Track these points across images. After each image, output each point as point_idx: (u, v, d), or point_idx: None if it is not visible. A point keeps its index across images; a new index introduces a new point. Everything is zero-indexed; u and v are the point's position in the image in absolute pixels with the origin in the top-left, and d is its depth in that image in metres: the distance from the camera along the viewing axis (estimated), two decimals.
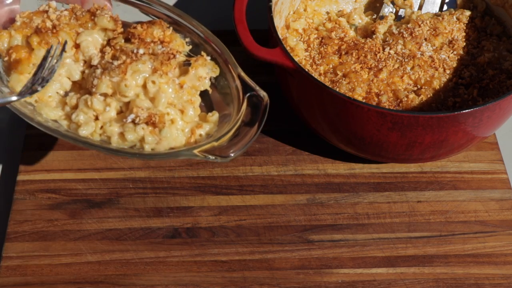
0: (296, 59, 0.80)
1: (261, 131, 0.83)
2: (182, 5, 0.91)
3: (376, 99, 0.77)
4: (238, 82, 0.64)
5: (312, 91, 0.73)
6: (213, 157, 0.59)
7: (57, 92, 0.64)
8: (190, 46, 0.65)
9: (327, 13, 0.87)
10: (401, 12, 0.87)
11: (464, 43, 0.82)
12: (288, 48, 0.80)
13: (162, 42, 0.62)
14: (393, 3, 0.88)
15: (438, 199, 0.79)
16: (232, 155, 0.60)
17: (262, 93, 0.63)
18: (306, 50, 0.82)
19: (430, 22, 0.83)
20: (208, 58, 0.64)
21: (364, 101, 0.76)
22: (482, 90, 0.78)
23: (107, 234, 0.75)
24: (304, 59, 0.81)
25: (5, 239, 0.74)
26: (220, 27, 0.87)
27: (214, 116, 0.64)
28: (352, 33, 0.84)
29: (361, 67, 0.79)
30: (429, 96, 0.77)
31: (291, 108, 0.81)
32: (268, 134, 0.83)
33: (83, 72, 0.63)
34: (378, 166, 0.81)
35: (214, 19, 0.90)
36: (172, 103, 0.62)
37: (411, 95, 0.77)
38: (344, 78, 0.78)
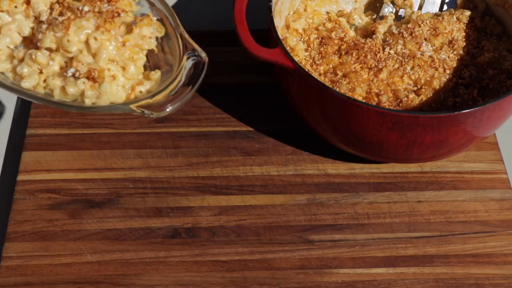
0: (296, 59, 0.80)
1: (261, 131, 0.83)
2: (182, 5, 0.91)
3: (376, 99, 0.77)
4: (180, 42, 0.66)
5: (312, 91, 0.73)
6: (149, 112, 0.62)
7: (8, 46, 0.66)
8: (139, 6, 0.66)
9: (327, 13, 0.87)
10: (401, 12, 0.87)
11: (464, 43, 0.82)
12: (288, 48, 0.80)
13: (109, 1, 0.64)
14: (393, 3, 0.88)
15: (438, 199, 0.79)
16: (168, 110, 0.62)
17: (203, 54, 0.65)
18: (306, 50, 0.82)
19: (430, 22, 0.83)
20: (155, 18, 0.66)
21: (364, 101, 0.76)
22: (482, 90, 0.78)
23: (107, 234, 0.75)
24: (304, 59, 0.81)
25: (5, 239, 0.74)
26: (220, 27, 0.87)
27: (156, 74, 0.65)
28: (352, 33, 0.84)
29: (361, 67, 0.79)
30: (429, 96, 0.77)
31: (291, 108, 0.81)
32: (268, 134, 0.83)
33: (33, 28, 0.65)
34: (378, 166, 0.81)
35: (214, 19, 0.90)
36: (113, 59, 0.63)
37: (411, 95, 0.77)
38: (344, 78, 0.78)
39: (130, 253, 0.73)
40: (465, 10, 0.85)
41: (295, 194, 0.78)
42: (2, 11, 0.64)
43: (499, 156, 0.82)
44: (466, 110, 0.69)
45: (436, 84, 0.78)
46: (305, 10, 0.86)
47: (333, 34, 0.82)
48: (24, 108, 0.85)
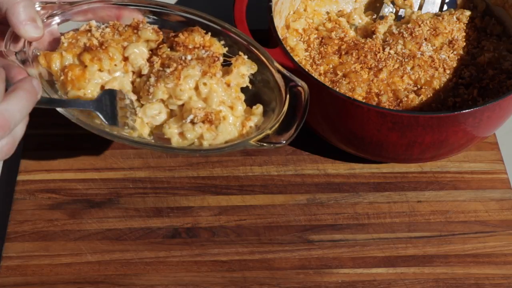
0: (296, 59, 0.80)
1: None
2: (182, 5, 0.91)
3: (376, 99, 0.77)
4: (277, 75, 0.69)
5: (312, 91, 0.73)
6: (268, 145, 0.65)
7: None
8: (226, 48, 0.69)
9: (327, 13, 0.87)
10: (401, 12, 0.87)
11: (464, 43, 0.82)
12: (288, 48, 0.80)
13: (204, 47, 0.68)
14: (393, 3, 0.88)
15: (438, 199, 0.79)
16: (284, 142, 0.65)
17: (301, 83, 0.68)
18: (306, 50, 0.82)
19: (430, 22, 0.83)
20: (246, 56, 0.69)
21: (364, 101, 0.76)
22: (482, 90, 0.78)
23: (107, 234, 0.75)
24: (304, 59, 0.81)
25: (5, 239, 0.74)
26: None
27: (259, 108, 0.68)
28: (352, 33, 0.84)
29: (361, 67, 0.79)
30: (429, 96, 0.77)
31: None
32: None
33: (133, 82, 0.68)
34: (378, 166, 0.81)
35: None
36: (222, 101, 0.66)
37: (411, 95, 0.77)
38: (344, 78, 0.78)
39: (130, 253, 0.73)
40: (465, 10, 0.85)
41: (295, 194, 0.78)
42: (102, 71, 0.66)
43: (499, 156, 0.82)
44: (466, 110, 0.69)
45: (436, 84, 0.78)
46: (305, 10, 0.86)
47: (333, 34, 0.82)
48: None
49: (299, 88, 0.67)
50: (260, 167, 0.81)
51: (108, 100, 0.65)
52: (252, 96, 0.69)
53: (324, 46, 0.81)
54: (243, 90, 0.69)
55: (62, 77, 0.65)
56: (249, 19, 0.75)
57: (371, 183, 0.80)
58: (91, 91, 0.66)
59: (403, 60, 0.79)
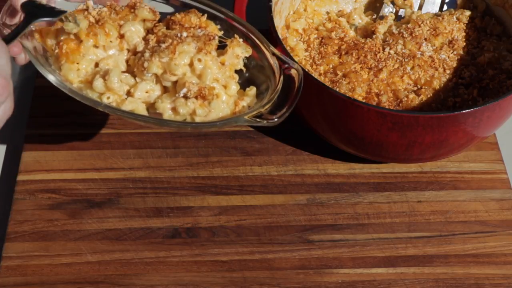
0: (296, 59, 0.80)
1: (261, 131, 0.83)
2: None
3: (376, 99, 0.77)
4: (273, 59, 0.69)
5: (312, 91, 0.73)
6: (262, 121, 0.65)
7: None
8: (222, 31, 0.70)
9: (327, 13, 0.87)
10: (401, 12, 0.87)
11: (464, 43, 0.82)
12: (288, 48, 0.80)
13: (199, 27, 0.68)
14: (393, 3, 0.88)
15: (438, 199, 0.79)
16: (276, 120, 0.65)
17: (296, 65, 0.69)
18: (306, 50, 0.82)
19: (430, 22, 0.83)
20: (241, 40, 0.69)
21: (364, 101, 0.76)
22: (482, 90, 0.78)
23: (107, 234, 0.75)
24: (304, 59, 0.81)
25: (5, 239, 0.74)
26: None
27: (252, 90, 0.69)
28: (352, 33, 0.84)
29: (361, 67, 0.79)
30: (429, 96, 0.77)
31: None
32: (268, 134, 0.83)
33: (127, 61, 0.68)
34: (378, 166, 0.81)
35: None
36: (216, 79, 0.67)
37: (411, 95, 0.77)
38: (344, 78, 0.78)
39: (130, 253, 0.73)
40: (465, 10, 0.85)
41: (295, 194, 0.78)
42: (97, 47, 0.66)
43: (499, 156, 0.82)
44: (466, 110, 0.70)
45: (436, 84, 0.78)
46: (305, 10, 0.86)
47: (333, 34, 0.82)
48: (24, 108, 0.85)
49: (294, 69, 0.68)
50: (260, 167, 0.81)
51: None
52: (246, 82, 0.70)
53: (324, 46, 0.81)
54: (238, 75, 0.69)
55: (56, 51, 0.65)
56: (249, 19, 0.75)
57: (371, 183, 0.80)
58: (85, 66, 0.66)
59: (403, 60, 0.79)
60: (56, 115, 0.84)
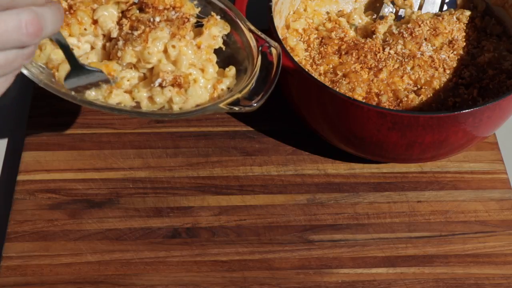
0: (296, 59, 0.80)
1: (261, 131, 0.83)
2: None
3: (376, 99, 0.77)
4: (249, 35, 0.68)
5: (312, 91, 0.73)
6: (238, 108, 0.63)
7: None
8: (199, 8, 0.68)
9: (327, 13, 0.87)
10: (401, 12, 0.87)
11: (464, 43, 0.82)
12: (288, 48, 0.80)
13: (174, 8, 0.66)
14: (393, 3, 0.88)
15: (438, 199, 0.79)
16: (255, 104, 0.63)
17: (274, 43, 0.67)
18: (306, 50, 0.82)
19: (430, 22, 0.83)
20: (218, 17, 0.67)
21: (364, 101, 0.76)
22: (482, 90, 0.78)
23: (107, 234, 0.75)
24: (304, 59, 0.81)
25: (5, 239, 0.74)
26: None
27: (231, 70, 0.67)
28: (352, 33, 0.84)
29: (361, 67, 0.79)
30: (429, 96, 0.77)
31: (291, 108, 0.81)
32: (268, 134, 0.83)
33: (103, 46, 0.67)
34: (378, 166, 0.81)
35: None
36: (192, 63, 0.65)
37: (411, 95, 0.77)
38: (344, 78, 0.78)
39: (130, 253, 0.73)
40: (465, 10, 0.85)
41: (295, 194, 0.78)
42: (72, 36, 0.65)
43: (499, 156, 0.82)
44: (466, 110, 0.69)
45: (436, 84, 0.78)
46: (305, 10, 0.86)
47: (333, 34, 0.82)
48: (24, 108, 0.85)
49: (272, 49, 0.66)
50: (260, 167, 0.81)
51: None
52: (226, 58, 0.68)
53: (324, 46, 0.81)
54: (217, 51, 0.67)
55: None
56: (249, 19, 0.75)
57: (371, 183, 0.80)
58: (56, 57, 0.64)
59: (403, 60, 0.79)
60: (56, 115, 0.84)
